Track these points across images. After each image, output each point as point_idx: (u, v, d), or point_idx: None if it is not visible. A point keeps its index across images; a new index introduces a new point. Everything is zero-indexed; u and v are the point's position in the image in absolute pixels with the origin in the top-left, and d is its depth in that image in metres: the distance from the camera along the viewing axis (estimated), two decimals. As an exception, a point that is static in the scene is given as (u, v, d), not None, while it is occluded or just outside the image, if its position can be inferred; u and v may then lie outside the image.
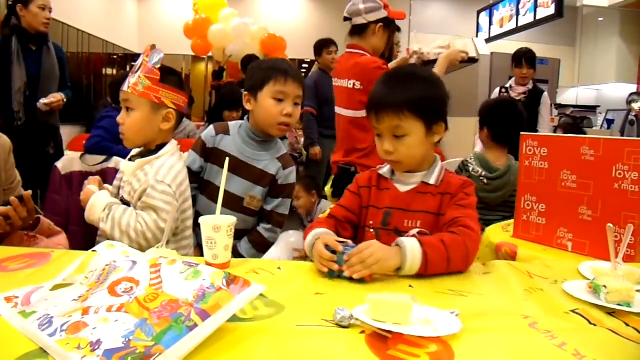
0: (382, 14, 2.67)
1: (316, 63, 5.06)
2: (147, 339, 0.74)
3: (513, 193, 2.14)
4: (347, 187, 1.52)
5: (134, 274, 0.89)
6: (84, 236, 2.11)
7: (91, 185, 1.69)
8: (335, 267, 1.15)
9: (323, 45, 4.80)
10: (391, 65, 2.90)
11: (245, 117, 1.86)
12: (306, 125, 4.66)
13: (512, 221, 1.94)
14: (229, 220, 1.18)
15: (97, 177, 1.74)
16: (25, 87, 3.57)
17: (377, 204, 1.46)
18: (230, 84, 5.72)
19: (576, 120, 5.57)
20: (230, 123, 1.90)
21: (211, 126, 1.89)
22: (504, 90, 4.38)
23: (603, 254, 1.52)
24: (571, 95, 9.04)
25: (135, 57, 9.48)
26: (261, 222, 1.85)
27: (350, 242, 1.22)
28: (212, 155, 1.82)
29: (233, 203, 1.77)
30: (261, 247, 1.82)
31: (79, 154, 3.68)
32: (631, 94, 6.72)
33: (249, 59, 5.64)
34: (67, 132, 5.63)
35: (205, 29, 6.62)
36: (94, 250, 1.07)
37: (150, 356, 0.71)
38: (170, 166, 1.60)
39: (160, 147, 1.65)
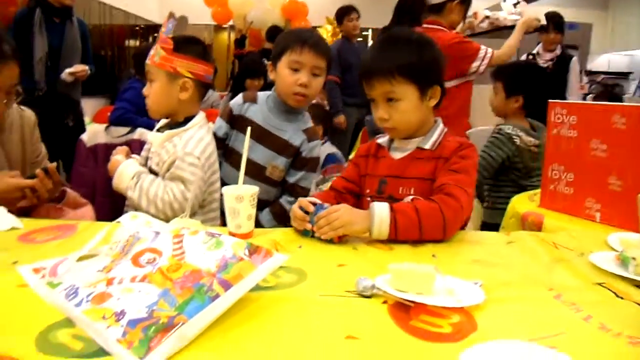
0: None
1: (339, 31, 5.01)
2: (170, 309, 0.75)
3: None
4: (351, 158, 1.57)
5: (157, 245, 0.90)
6: (111, 207, 2.15)
7: (119, 155, 1.71)
8: (309, 226, 1.21)
9: (344, 13, 4.73)
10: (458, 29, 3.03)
11: (273, 88, 1.85)
12: (329, 93, 4.62)
13: (538, 190, 1.92)
14: (252, 190, 1.18)
15: (125, 147, 1.76)
16: (46, 57, 3.61)
17: (373, 173, 1.48)
18: (252, 53, 5.69)
19: (607, 87, 5.41)
20: (259, 92, 1.90)
21: (240, 94, 1.89)
22: (531, 56, 4.28)
23: (632, 226, 1.49)
24: (602, 61, 8.76)
25: (157, 27, 9.49)
26: (284, 194, 1.85)
27: (326, 204, 1.24)
28: (237, 122, 1.83)
29: (255, 171, 1.78)
30: (282, 218, 1.82)
31: (104, 126, 3.72)
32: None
33: (274, 30, 5.60)
34: (92, 105, 5.69)
35: (225, -5, 6.56)
36: (118, 222, 1.09)
37: (173, 326, 0.72)
38: (199, 138, 1.61)
39: (189, 119, 1.66)
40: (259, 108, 1.84)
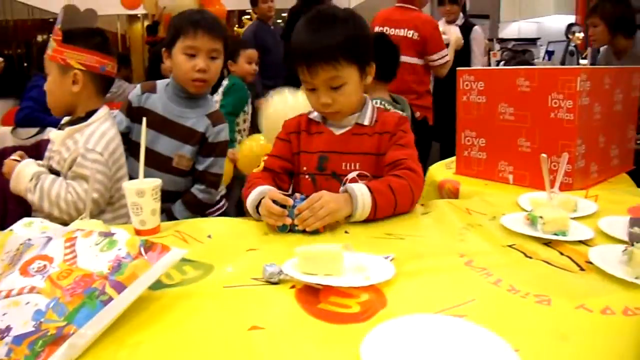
0: None
1: (253, 13, 4.89)
2: (59, 319, 0.69)
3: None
4: (277, 135, 1.46)
5: (48, 251, 0.83)
6: (23, 215, 2.03)
7: (14, 156, 1.60)
8: (289, 220, 1.13)
9: None
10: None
11: (171, 74, 1.77)
12: None
13: (454, 158, 1.94)
14: (153, 183, 1.12)
15: (19, 152, 1.64)
16: None
17: (309, 149, 1.41)
18: (162, 41, 5.48)
19: (517, 53, 5.60)
20: (158, 81, 1.80)
21: (138, 85, 1.80)
22: None
23: (543, 185, 1.54)
24: (513, 29, 9.04)
25: (66, 20, 9.02)
26: (195, 183, 1.78)
27: (298, 194, 1.18)
28: (138, 114, 1.71)
29: (161, 163, 1.69)
30: (196, 208, 1.75)
31: (10, 128, 3.51)
32: (570, 25, 6.78)
33: None
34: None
35: (131, -19, 6.28)
36: (10, 230, 1.00)
37: (63, 337, 0.66)
38: (102, 133, 1.52)
39: (91, 113, 1.57)
40: (159, 97, 1.75)
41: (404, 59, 2.92)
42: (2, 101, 5.67)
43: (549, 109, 1.55)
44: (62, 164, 1.50)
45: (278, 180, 1.40)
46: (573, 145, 1.52)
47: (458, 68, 1.78)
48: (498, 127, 1.69)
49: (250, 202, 1.25)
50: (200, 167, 1.74)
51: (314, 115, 1.44)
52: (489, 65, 5.16)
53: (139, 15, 8.73)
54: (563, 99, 1.52)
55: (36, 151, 2.14)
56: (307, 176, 1.39)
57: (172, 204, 1.70)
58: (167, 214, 1.68)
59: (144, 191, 1.09)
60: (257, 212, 1.21)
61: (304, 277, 0.81)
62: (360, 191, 1.17)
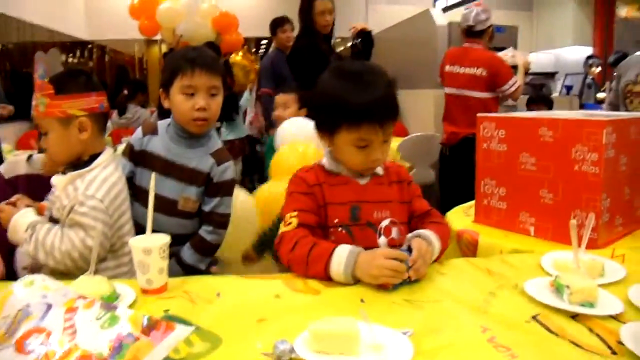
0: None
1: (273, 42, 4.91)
2: (53, 406, 0.64)
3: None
4: (293, 190, 1.37)
5: (47, 323, 0.79)
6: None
7: (9, 201, 1.57)
8: (406, 275, 1.13)
9: (277, 24, 4.63)
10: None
11: (172, 114, 1.74)
12: (265, 107, 4.52)
13: (472, 203, 1.89)
14: (162, 241, 1.08)
15: (18, 195, 1.61)
16: None
17: (337, 200, 1.35)
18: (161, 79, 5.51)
19: (535, 87, 5.56)
20: (159, 122, 1.76)
21: (139, 128, 1.76)
22: None
23: (566, 239, 1.46)
24: (530, 60, 9.07)
25: (85, 44, 9.15)
26: (203, 225, 1.73)
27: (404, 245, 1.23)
28: (141, 158, 1.69)
29: (166, 207, 1.65)
30: (205, 250, 1.71)
31: (26, 155, 3.49)
32: (588, 57, 6.74)
33: (209, 47, 5.43)
34: (13, 130, 5.36)
35: (152, 7, 6.25)
36: (10, 289, 0.96)
37: None
38: (103, 179, 1.48)
39: (95, 157, 1.53)
40: (160, 139, 1.71)
41: (474, 94, 3.54)
42: (17, 124, 5.67)
43: (572, 161, 1.50)
44: (61, 211, 1.46)
45: (315, 235, 1.31)
46: (598, 200, 1.46)
47: (478, 114, 1.74)
48: (519, 176, 1.63)
49: (343, 267, 1.15)
50: (206, 208, 1.70)
51: (330, 165, 1.39)
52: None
53: (156, 39, 8.81)
54: (588, 151, 1.47)
55: (48, 182, 2.12)
56: (340, 228, 1.32)
57: (181, 247, 1.66)
58: (177, 259, 1.64)
59: (151, 249, 1.05)
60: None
61: (318, 358, 0.76)
62: (434, 237, 1.28)
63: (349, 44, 3.73)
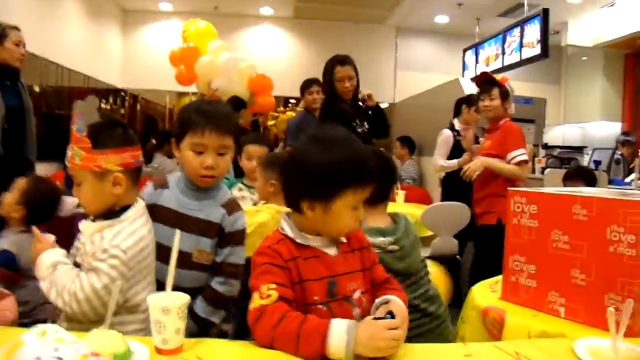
0: None
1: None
2: None
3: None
4: (268, 262, 1.26)
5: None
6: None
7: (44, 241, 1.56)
8: None
9: (305, 86, 4.75)
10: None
11: (179, 166, 1.76)
12: None
13: (498, 278, 1.83)
14: (181, 301, 1.05)
15: (51, 236, 1.61)
16: (3, 119, 3.48)
17: (313, 276, 1.28)
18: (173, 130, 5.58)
19: (563, 161, 5.52)
20: (169, 176, 1.78)
21: (150, 182, 1.78)
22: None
23: (598, 322, 1.42)
24: (557, 133, 9.01)
25: (119, 91, 9.41)
26: (215, 276, 1.72)
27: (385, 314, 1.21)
28: (154, 212, 1.68)
29: (181, 260, 1.58)
30: (217, 303, 1.69)
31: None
32: (622, 134, 6.72)
33: (235, 101, 5.54)
34: (43, 169, 5.45)
35: (192, 58, 6.46)
36: (21, 339, 0.93)
37: None
38: (131, 232, 1.47)
39: (126, 208, 1.52)
40: (172, 193, 1.73)
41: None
42: (47, 164, 5.76)
43: (607, 242, 1.45)
44: (84, 257, 1.45)
45: (293, 309, 1.22)
46: (635, 284, 1.40)
47: (509, 189, 1.71)
48: (550, 254, 1.58)
49: (345, 344, 1.08)
50: (218, 259, 1.70)
51: (298, 237, 1.32)
52: (534, 172, 5.08)
53: (188, 92, 9.03)
54: (624, 232, 1.42)
55: (71, 223, 2.12)
56: (320, 306, 1.26)
57: (193, 300, 1.63)
58: (190, 313, 1.61)
59: (169, 309, 1.02)
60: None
61: None
62: (402, 303, 1.28)
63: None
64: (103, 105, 8.76)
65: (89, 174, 1.48)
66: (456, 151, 4.44)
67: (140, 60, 9.35)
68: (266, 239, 1.33)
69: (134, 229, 1.48)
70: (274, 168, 2.45)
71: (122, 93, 9.41)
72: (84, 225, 1.53)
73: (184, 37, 6.85)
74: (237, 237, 1.75)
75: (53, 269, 1.44)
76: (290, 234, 1.32)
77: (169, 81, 7.17)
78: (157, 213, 1.69)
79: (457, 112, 4.79)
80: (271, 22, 9.81)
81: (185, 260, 1.65)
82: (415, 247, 1.98)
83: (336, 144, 1.30)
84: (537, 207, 1.62)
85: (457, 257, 4.23)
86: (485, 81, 3.62)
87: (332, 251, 1.34)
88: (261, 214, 2.37)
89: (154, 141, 5.94)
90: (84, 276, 1.40)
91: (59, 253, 1.51)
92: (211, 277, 1.73)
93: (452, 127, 4.73)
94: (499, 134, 3.46)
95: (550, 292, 1.59)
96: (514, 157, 3.35)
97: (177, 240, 1.15)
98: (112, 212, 1.52)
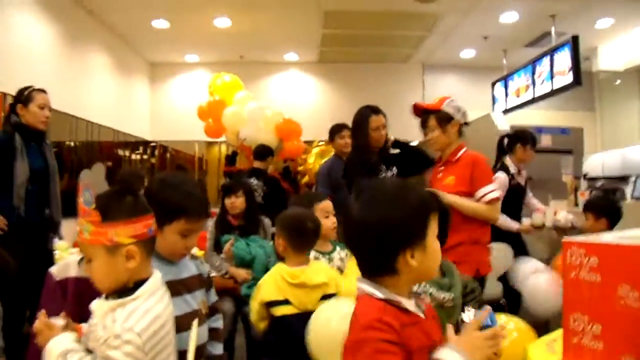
0: None
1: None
2: None
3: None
4: (381, 338, 1.09)
5: None
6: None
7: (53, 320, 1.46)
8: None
9: (335, 131, 4.69)
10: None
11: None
12: None
13: (555, 335, 1.63)
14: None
15: (64, 314, 1.49)
16: (27, 181, 3.50)
17: (418, 347, 1.15)
18: (241, 172, 5.53)
19: (607, 193, 5.25)
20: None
21: None
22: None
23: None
24: (596, 162, 8.70)
25: (147, 144, 9.49)
26: (211, 317, 1.87)
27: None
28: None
29: (193, 318, 1.63)
30: (221, 338, 1.91)
31: (77, 258, 3.44)
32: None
33: (261, 149, 5.47)
34: (73, 227, 5.42)
35: (219, 111, 6.51)
36: None
37: None
38: (146, 310, 1.35)
39: (140, 284, 1.41)
40: (159, 267, 1.61)
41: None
42: (70, 220, 5.69)
43: (688, 298, 1.25)
44: (95, 342, 1.32)
45: None
46: None
47: (564, 239, 1.52)
48: (618, 313, 1.37)
49: None
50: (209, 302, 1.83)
51: (392, 298, 1.18)
52: (576, 204, 4.81)
53: (216, 140, 9.06)
54: None
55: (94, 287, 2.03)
56: None
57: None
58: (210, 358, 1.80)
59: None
60: None
61: None
62: None
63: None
64: (134, 157, 8.85)
65: (100, 248, 1.37)
66: (512, 196, 3.98)
67: (168, 112, 9.47)
68: (364, 309, 1.17)
69: (148, 307, 1.36)
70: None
71: (152, 144, 9.50)
72: (96, 305, 1.41)
73: (210, 92, 6.92)
74: (209, 278, 1.91)
75: (63, 358, 1.31)
76: (391, 297, 1.17)
77: (197, 132, 7.21)
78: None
79: (506, 150, 4.24)
80: (297, 68, 9.88)
81: (200, 318, 1.69)
82: (460, 302, 1.82)
83: (395, 186, 1.29)
84: (599, 259, 1.42)
85: (502, 301, 3.96)
86: (419, 112, 3.16)
87: (420, 312, 1.23)
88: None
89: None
90: None
91: (68, 339, 1.38)
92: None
93: (505, 169, 4.10)
94: (462, 167, 2.96)
95: (622, 357, 1.38)
96: (485, 195, 2.86)
97: (195, 332, 1.03)
98: (125, 290, 1.40)
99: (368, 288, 1.19)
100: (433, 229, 1.24)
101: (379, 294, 1.17)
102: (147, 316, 1.34)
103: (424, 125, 3.09)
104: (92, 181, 1.33)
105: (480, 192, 2.87)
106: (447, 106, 3.05)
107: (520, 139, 4.14)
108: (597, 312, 1.43)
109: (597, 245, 1.45)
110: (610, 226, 3.26)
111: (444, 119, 3.02)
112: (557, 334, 1.63)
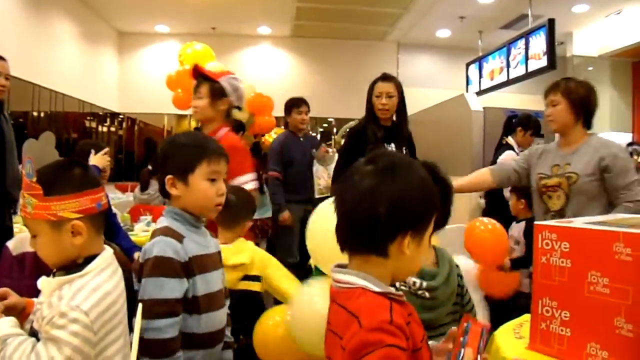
0: None
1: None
2: None
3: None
4: (392, 343, 0.98)
5: None
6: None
7: None
8: None
9: (294, 105, 4.51)
10: None
11: (167, 211, 1.61)
12: (272, 190, 4.35)
13: (522, 320, 1.61)
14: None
15: (5, 289, 1.40)
16: None
17: (419, 341, 1.08)
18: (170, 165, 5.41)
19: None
20: (173, 229, 1.56)
21: (165, 240, 1.51)
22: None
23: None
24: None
25: (116, 115, 9.27)
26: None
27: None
28: (191, 265, 1.52)
29: (222, 299, 1.66)
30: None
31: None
32: (630, 144, 6.50)
33: (234, 125, 5.35)
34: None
35: (188, 81, 6.27)
36: None
37: None
38: (95, 287, 1.26)
39: (90, 259, 1.32)
40: (190, 239, 1.57)
41: None
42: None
43: (658, 286, 1.22)
44: (40, 322, 1.24)
45: None
46: (694, 337, 1.17)
47: (535, 222, 1.49)
48: (588, 299, 1.35)
49: None
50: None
51: (385, 289, 1.08)
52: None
53: (187, 113, 8.90)
54: (678, 274, 1.20)
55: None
56: None
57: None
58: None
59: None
60: None
61: None
62: None
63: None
64: (101, 129, 8.65)
65: (44, 224, 1.28)
66: None
67: (137, 83, 9.25)
68: (367, 307, 1.04)
69: (97, 284, 1.27)
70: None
71: (120, 117, 9.29)
72: (43, 282, 1.32)
73: (180, 61, 6.72)
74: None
75: (3, 345, 1.22)
76: (388, 290, 1.07)
77: (167, 104, 7.02)
78: (196, 265, 1.55)
79: (509, 131, 4.26)
80: (270, 42, 9.73)
81: (225, 296, 1.69)
82: (450, 299, 1.75)
83: (420, 165, 1.15)
84: (570, 244, 1.39)
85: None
86: (197, 75, 2.94)
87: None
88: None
89: (149, 167, 5.74)
90: (42, 349, 1.18)
91: (6, 324, 1.28)
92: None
93: (510, 147, 4.11)
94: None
95: (589, 344, 1.36)
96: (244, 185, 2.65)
97: (139, 319, 0.95)
98: (74, 266, 1.31)
99: (360, 281, 1.07)
100: (430, 223, 1.13)
101: (374, 287, 1.06)
102: (96, 293, 1.25)
103: (195, 89, 2.88)
104: (38, 152, 1.23)
105: (235, 182, 2.61)
106: (226, 81, 2.86)
107: (522, 123, 4.19)
108: (566, 298, 1.41)
109: (568, 229, 1.42)
110: (529, 206, 3.27)
111: (217, 92, 2.82)
112: (524, 319, 1.62)
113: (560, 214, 2.48)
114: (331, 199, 1.93)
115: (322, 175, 4.25)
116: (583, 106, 2.60)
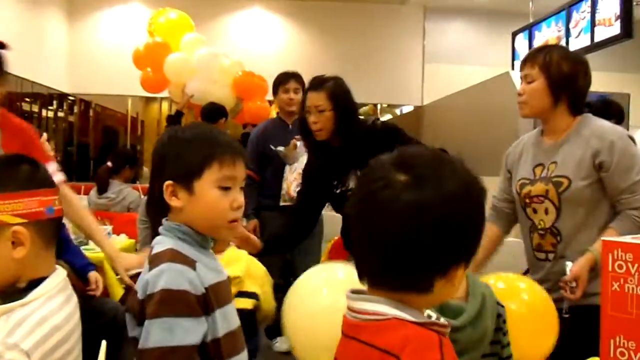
0: None
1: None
2: None
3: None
4: None
5: None
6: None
7: None
8: None
9: (280, 82, 4.31)
10: None
11: (169, 228, 1.54)
12: (245, 194, 4.21)
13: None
14: None
15: None
16: None
17: None
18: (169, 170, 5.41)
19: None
20: (181, 252, 1.51)
21: (175, 268, 1.46)
22: None
23: None
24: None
25: (64, 96, 9.31)
26: None
27: None
28: (210, 299, 1.49)
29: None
30: None
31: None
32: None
33: (211, 109, 5.34)
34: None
35: (161, 57, 6.31)
36: None
37: None
38: (40, 320, 1.28)
39: (35, 284, 1.34)
40: (203, 267, 1.53)
41: None
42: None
43: None
44: None
45: None
46: None
47: (604, 238, 1.47)
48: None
49: None
50: None
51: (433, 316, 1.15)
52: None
53: (157, 96, 8.95)
54: None
55: None
56: None
57: None
58: None
59: None
60: None
61: None
62: None
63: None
64: (47, 113, 8.70)
65: None
66: None
67: (92, 57, 9.30)
68: (414, 344, 1.02)
69: (43, 316, 1.28)
70: None
71: (70, 99, 9.34)
72: None
73: (150, 32, 6.75)
74: None
75: None
76: (426, 320, 1.07)
77: (132, 84, 7.06)
78: (216, 298, 1.51)
79: None
80: (262, 5, 9.77)
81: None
82: (477, 347, 1.70)
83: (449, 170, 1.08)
84: (650, 266, 1.38)
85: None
86: None
87: None
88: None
89: (109, 164, 5.71)
90: None
91: None
92: None
93: None
94: None
95: (675, 397, 1.35)
96: None
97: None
98: (15, 291, 1.34)
99: (393, 310, 1.05)
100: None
101: (412, 317, 1.04)
102: (42, 328, 1.26)
103: None
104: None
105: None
106: None
107: (601, 110, 4.01)
108: (646, 336, 1.40)
109: (648, 247, 1.40)
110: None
111: None
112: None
113: (552, 232, 2.37)
114: (317, 269, 1.94)
115: (296, 179, 3.89)
116: (565, 86, 2.40)
